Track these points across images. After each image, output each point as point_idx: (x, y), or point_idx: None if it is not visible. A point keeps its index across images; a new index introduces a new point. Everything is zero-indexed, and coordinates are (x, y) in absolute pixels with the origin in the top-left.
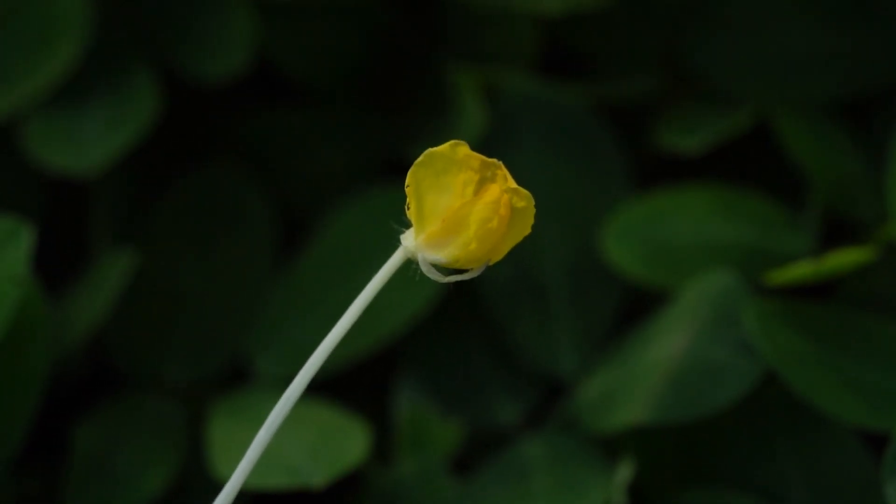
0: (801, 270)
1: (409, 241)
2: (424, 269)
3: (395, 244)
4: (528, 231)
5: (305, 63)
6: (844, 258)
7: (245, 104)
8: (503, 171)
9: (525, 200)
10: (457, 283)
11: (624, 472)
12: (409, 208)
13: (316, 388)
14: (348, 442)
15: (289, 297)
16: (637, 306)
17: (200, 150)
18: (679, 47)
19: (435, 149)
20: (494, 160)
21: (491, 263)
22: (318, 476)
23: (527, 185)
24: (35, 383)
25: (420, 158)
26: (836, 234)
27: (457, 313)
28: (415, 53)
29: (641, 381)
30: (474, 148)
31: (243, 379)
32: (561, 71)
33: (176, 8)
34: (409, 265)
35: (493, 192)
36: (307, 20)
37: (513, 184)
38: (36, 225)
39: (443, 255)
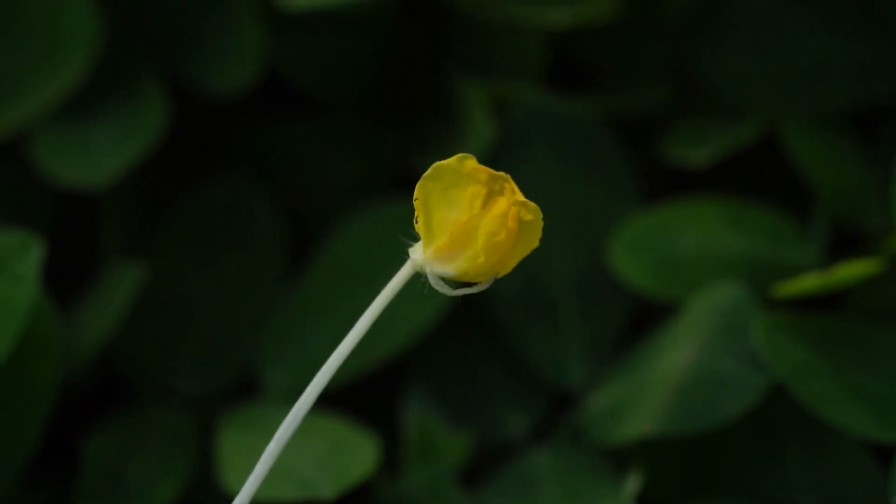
0: (809, 282)
1: (418, 255)
2: (433, 282)
3: (404, 257)
4: (535, 244)
5: (315, 75)
6: (852, 270)
7: (255, 116)
8: (511, 185)
9: (533, 213)
10: (465, 295)
11: (632, 484)
12: (417, 221)
13: (325, 400)
14: (357, 454)
15: (298, 310)
16: (645, 318)
17: (210, 163)
18: (687, 59)
19: (443, 162)
20: (502, 173)
21: (499, 276)
22: (327, 488)
23: (535, 198)
24: (46, 394)
25: (428, 172)
26: (843, 245)
27: (465, 325)
28: (424, 66)
29: (650, 392)
30: (483, 160)
31: (253, 391)
32: (569, 83)
33: (186, 20)
34: (419, 278)
35: (500, 205)
36: (317, 33)
37: (521, 197)
38: (46, 237)
39: (451, 269)
